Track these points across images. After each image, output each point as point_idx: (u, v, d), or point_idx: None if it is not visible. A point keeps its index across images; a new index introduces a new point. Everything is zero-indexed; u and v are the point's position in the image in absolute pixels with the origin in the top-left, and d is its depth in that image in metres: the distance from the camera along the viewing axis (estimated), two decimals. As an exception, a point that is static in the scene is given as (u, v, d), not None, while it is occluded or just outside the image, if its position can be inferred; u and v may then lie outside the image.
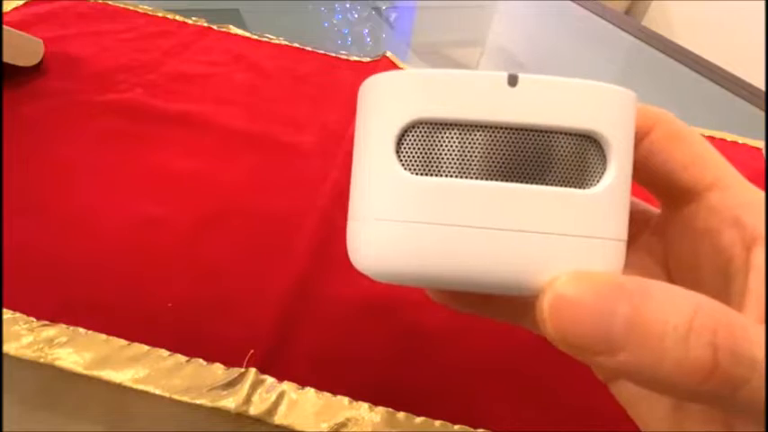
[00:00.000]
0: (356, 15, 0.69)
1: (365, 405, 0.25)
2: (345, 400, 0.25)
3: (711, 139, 0.52)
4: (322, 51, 0.53)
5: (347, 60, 0.53)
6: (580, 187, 0.13)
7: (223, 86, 0.45)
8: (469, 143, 0.13)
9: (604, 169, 0.14)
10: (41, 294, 0.27)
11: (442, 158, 0.13)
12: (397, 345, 0.28)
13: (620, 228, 0.14)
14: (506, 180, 0.13)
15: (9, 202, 0.31)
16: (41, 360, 0.24)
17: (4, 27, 0.38)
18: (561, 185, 0.13)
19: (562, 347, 0.13)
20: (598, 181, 0.14)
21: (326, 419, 0.24)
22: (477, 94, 0.13)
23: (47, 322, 0.26)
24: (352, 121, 0.44)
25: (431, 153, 0.13)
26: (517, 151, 0.13)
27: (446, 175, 0.13)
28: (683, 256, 0.18)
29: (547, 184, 0.13)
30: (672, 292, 0.12)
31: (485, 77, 0.13)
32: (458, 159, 0.13)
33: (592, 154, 0.14)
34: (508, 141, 0.13)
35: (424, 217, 0.13)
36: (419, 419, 0.25)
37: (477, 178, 0.13)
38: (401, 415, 0.25)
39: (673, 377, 0.12)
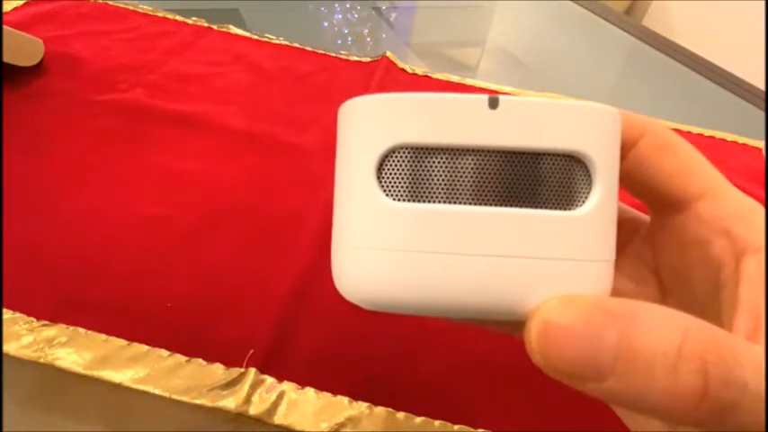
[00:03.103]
0: (356, 15, 0.69)
1: (365, 405, 0.25)
2: (345, 400, 0.25)
3: (711, 138, 0.52)
4: (322, 51, 0.53)
5: (347, 60, 0.53)
6: (566, 209, 0.13)
7: (223, 86, 0.45)
8: (451, 168, 0.13)
9: (590, 189, 0.13)
10: (41, 294, 0.27)
11: (424, 184, 0.13)
12: (397, 345, 0.28)
13: (608, 248, 0.14)
14: (490, 204, 0.13)
15: (9, 202, 0.31)
16: (41, 360, 0.24)
17: (5, 27, 0.38)
18: (546, 208, 0.13)
19: (551, 374, 0.13)
20: (584, 201, 0.13)
21: (326, 419, 0.24)
22: (457, 119, 0.13)
23: (47, 322, 0.26)
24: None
25: (412, 179, 0.13)
26: (500, 175, 0.13)
27: (427, 201, 0.13)
28: (674, 265, 0.18)
29: (532, 206, 0.13)
30: (660, 316, 0.12)
31: (465, 101, 0.13)
32: (439, 185, 0.13)
33: (577, 175, 0.13)
34: (490, 165, 0.13)
35: (406, 244, 0.13)
36: (419, 419, 0.25)
37: (459, 203, 0.13)
38: (401, 415, 0.25)
39: (662, 404, 0.12)
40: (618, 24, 0.81)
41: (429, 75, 0.53)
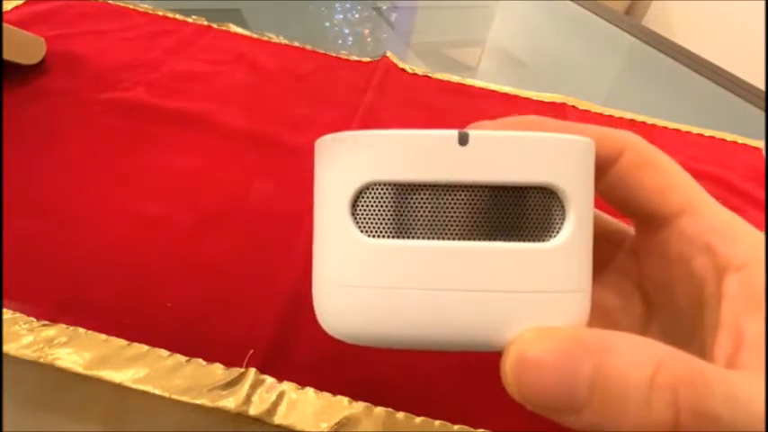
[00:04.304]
0: (357, 15, 0.69)
1: (365, 405, 0.25)
2: (345, 400, 0.25)
3: (711, 138, 0.52)
4: (322, 51, 0.53)
5: (347, 60, 0.53)
6: (540, 240, 0.13)
7: (224, 85, 0.45)
8: (424, 204, 0.13)
9: (563, 220, 0.13)
10: (41, 294, 0.27)
11: (398, 220, 0.13)
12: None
13: (583, 277, 0.14)
14: (464, 239, 0.13)
15: (9, 202, 0.31)
16: (41, 360, 0.24)
17: (6, 25, 0.38)
18: (520, 240, 0.13)
19: (526, 406, 0.13)
20: (558, 232, 0.13)
21: (326, 419, 0.24)
22: (427, 155, 0.13)
23: (47, 322, 0.26)
24: (352, 119, 0.44)
25: (386, 215, 0.13)
26: (472, 209, 0.13)
27: (402, 237, 0.13)
28: (658, 279, 0.18)
29: (506, 239, 0.13)
30: (634, 346, 0.12)
31: (435, 137, 0.13)
32: (413, 221, 0.13)
33: (550, 206, 0.13)
34: (463, 200, 0.13)
35: (382, 281, 0.13)
36: (419, 419, 0.25)
37: (432, 238, 0.13)
38: (401, 415, 0.25)
39: None
40: (618, 24, 0.81)
41: (429, 75, 0.53)
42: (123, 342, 0.26)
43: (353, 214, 0.13)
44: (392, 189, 0.13)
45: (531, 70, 0.65)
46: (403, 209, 0.13)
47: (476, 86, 0.53)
